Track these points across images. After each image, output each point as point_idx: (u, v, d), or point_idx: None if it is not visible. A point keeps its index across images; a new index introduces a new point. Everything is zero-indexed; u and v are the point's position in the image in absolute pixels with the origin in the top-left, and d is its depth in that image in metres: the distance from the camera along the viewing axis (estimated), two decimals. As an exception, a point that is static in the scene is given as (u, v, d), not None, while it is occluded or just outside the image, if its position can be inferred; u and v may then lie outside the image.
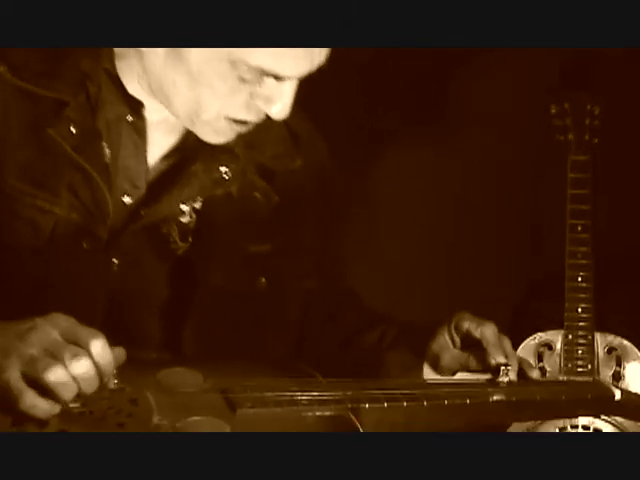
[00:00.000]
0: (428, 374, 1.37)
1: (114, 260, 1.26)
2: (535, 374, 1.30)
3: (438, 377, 1.36)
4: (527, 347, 2.33)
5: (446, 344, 1.35)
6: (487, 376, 1.29)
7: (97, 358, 1.02)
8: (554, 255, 2.34)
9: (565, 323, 2.30)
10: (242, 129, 1.26)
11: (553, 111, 2.38)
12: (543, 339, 2.34)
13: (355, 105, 2.45)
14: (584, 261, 2.29)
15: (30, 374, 1.00)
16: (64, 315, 1.04)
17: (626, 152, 2.44)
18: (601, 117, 2.37)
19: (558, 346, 2.32)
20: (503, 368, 1.26)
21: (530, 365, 1.31)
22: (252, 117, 1.24)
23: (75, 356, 1.00)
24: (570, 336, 2.30)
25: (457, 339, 1.34)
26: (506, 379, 1.26)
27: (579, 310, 2.29)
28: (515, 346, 2.27)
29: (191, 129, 1.27)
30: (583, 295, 2.28)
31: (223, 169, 1.31)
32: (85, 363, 1.01)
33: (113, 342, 1.04)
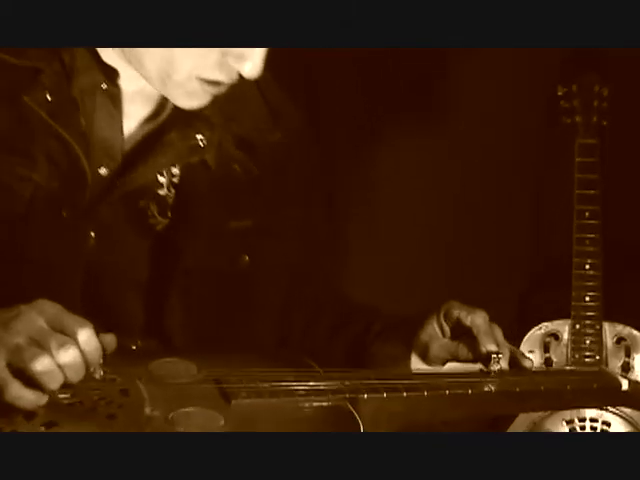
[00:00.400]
0: (416, 365, 1.37)
1: (91, 234, 1.27)
2: (528, 363, 1.30)
3: (427, 367, 1.37)
4: (533, 337, 2.34)
5: (435, 333, 1.36)
6: (478, 366, 1.30)
7: (84, 347, 1.03)
8: (561, 242, 2.35)
9: (572, 312, 2.30)
10: (215, 91, 1.26)
11: (560, 93, 2.38)
12: (549, 329, 2.35)
13: (355, 104, 2.48)
14: (592, 248, 2.29)
15: (15, 364, 1.00)
16: (50, 302, 1.05)
17: (636, 135, 2.44)
18: (610, 99, 2.37)
19: (565, 336, 2.33)
20: (494, 356, 1.27)
21: (522, 354, 1.32)
22: (224, 77, 1.24)
23: (62, 345, 1.01)
24: (577, 326, 2.31)
25: (447, 328, 1.35)
26: (497, 367, 1.27)
27: (587, 299, 2.29)
28: (520, 336, 2.31)
29: (163, 92, 1.28)
30: (591, 283, 2.29)
31: (199, 137, 1.33)
32: (72, 352, 1.01)
33: (93, 320, 1.05)
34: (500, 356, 1.27)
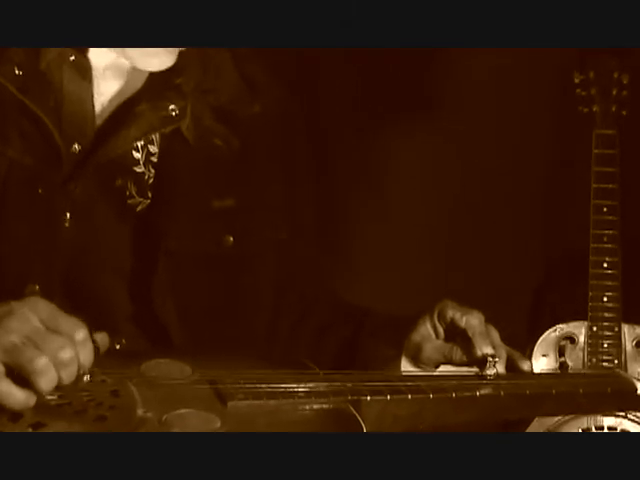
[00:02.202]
0: (407, 367, 1.38)
1: (67, 215, 1.30)
2: (527, 366, 1.31)
3: (417, 370, 1.37)
4: (547, 340, 2.33)
5: (428, 334, 1.36)
6: (473, 369, 1.30)
7: (79, 349, 1.05)
8: (577, 239, 2.35)
9: (589, 314, 2.30)
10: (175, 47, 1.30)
11: (576, 80, 2.37)
12: (565, 331, 2.33)
13: (355, 102, 2.52)
14: (610, 245, 2.29)
15: (12, 363, 1.03)
16: (43, 300, 1.08)
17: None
18: (630, 86, 2.37)
19: (581, 339, 2.32)
20: (490, 359, 1.27)
21: (521, 356, 1.32)
22: None
23: (62, 347, 1.03)
24: (595, 328, 2.30)
25: (440, 329, 1.36)
26: (493, 371, 1.27)
27: (605, 299, 2.29)
28: (534, 339, 2.32)
29: (122, 55, 1.32)
30: (609, 283, 2.29)
31: (171, 107, 1.36)
32: (70, 354, 1.04)
33: (76, 309, 1.08)
34: (496, 359, 1.28)
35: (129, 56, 1.31)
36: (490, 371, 1.28)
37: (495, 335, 1.33)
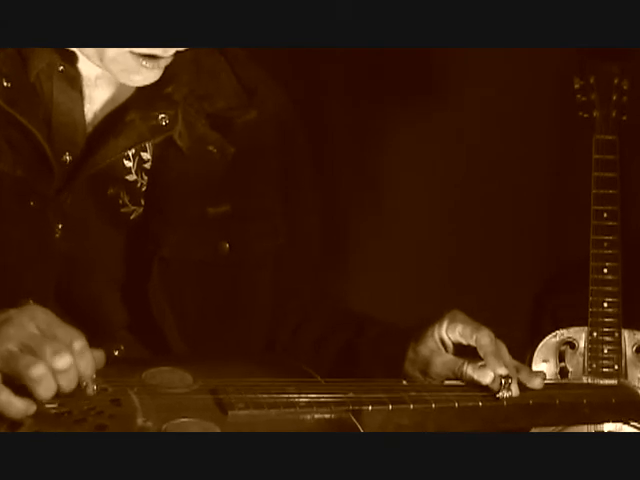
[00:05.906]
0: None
1: (58, 226, 1.29)
2: (537, 383, 1.28)
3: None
4: (547, 345, 2.34)
5: (437, 348, 1.34)
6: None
7: (78, 357, 1.05)
8: (577, 245, 2.35)
9: (589, 319, 2.30)
10: (152, 65, 1.28)
11: (577, 86, 2.37)
12: (565, 337, 2.34)
13: (357, 102, 2.52)
14: (610, 251, 2.29)
15: (8, 371, 1.02)
16: (41, 307, 1.08)
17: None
18: (630, 92, 2.37)
19: (582, 344, 2.33)
20: (504, 381, 1.25)
21: (531, 373, 1.30)
22: (157, 50, 1.26)
23: (57, 352, 1.03)
24: (595, 334, 2.30)
25: (449, 342, 1.34)
26: (508, 394, 1.25)
27: (605, 305, 2.29)
28: (534, 344, 2.31)
29: (105, 69, 1.30)
30: (609, 288, 2.29)
31: (161, 116, 1.34)
32: (67, 360, 1.03)
33: (71, 321, 1.07)
34: (510, 380, 1.25)
35: (111, 71, 1.29)
36: (505, 393, 1.25)
37: (506, 353, 1.29)
